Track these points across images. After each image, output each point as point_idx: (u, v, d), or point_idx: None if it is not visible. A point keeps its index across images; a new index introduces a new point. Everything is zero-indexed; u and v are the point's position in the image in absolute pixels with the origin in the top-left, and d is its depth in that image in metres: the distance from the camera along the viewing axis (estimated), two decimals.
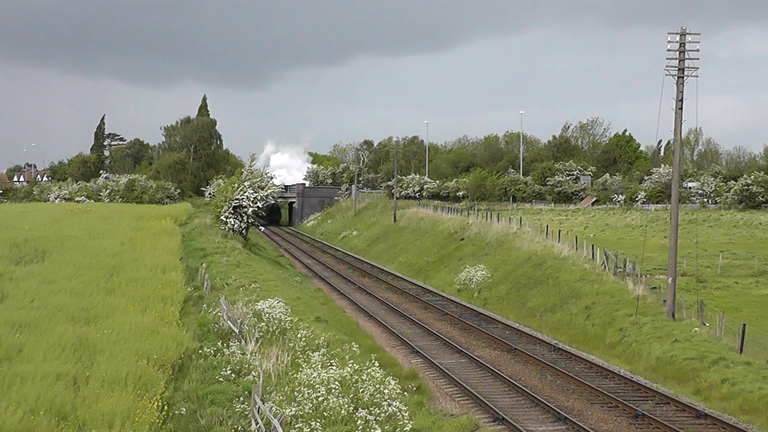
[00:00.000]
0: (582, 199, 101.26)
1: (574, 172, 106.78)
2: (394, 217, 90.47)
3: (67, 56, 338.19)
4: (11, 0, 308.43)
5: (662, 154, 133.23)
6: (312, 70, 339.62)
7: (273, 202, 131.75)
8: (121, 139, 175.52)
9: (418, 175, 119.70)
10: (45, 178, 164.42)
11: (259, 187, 62.62)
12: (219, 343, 25.69)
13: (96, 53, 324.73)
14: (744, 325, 30.20)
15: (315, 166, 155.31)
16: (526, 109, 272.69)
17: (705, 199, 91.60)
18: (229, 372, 22.61)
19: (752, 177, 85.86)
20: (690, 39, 34.55)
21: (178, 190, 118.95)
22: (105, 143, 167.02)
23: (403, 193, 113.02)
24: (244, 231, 62.83)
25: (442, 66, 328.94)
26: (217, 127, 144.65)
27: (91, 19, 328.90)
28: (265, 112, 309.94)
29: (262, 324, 28.02)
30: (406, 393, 23.71)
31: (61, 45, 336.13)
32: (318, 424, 18.56)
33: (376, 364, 24.18)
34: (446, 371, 29.71)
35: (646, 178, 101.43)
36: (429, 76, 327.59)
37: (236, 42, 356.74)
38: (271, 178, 68.44)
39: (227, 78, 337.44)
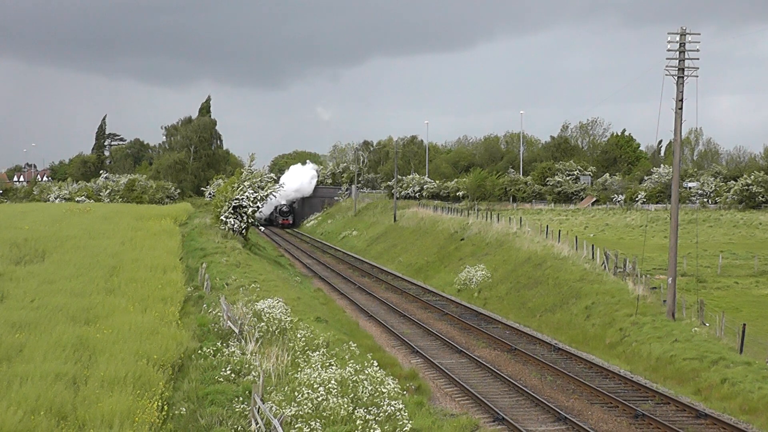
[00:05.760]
0: (582, 199, 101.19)
1: (574, 172, 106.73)
2: (394, 217, 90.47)
3: (85, 56, 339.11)
4: (30, 1, 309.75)
5: (662, 154, 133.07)
6: (329, 71, 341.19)
7: (285, 202, 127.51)
8: (122, 140, 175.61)
9: (418, 175, 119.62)
10: (45, 178, 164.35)
11: (258, 187, 62.64)
12: (219, 343, 25.68)
13: (114, 53, 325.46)
14: (744, 325, 30.21)
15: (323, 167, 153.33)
16: (534, 109, 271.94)
17: (705, 199, 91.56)
18: (229, 372, 22.60)
19: (752, 177, 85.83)
20: (690, 39, 34.57)
21: (178, 190, 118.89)
22: (105, 143, 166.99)
23: (403, 193, 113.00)
24: (244, 231, 62.85)
25: (452, 66, 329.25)
26: (217, 127, 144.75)
27: (109, 19, 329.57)
28: (282, 112, 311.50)
29: (262, 324, 28.01)
30: (405, 393, 23.72)
31: (80, 45, 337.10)
32: (318, 424, 18.56)
33: (376, 364, 24.19)
34: (446, 371, 29.71)
35: (646, 178, 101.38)
36: (433, 77, 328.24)
37: (253, 42, 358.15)
38: (272, 179, 68.27)
39: (245, 77, 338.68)
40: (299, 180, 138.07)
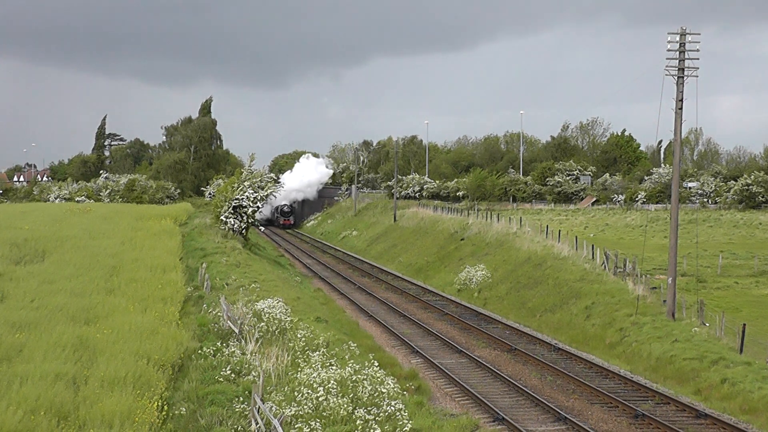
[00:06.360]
0: (582, 199, 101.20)
1: (574, 172, 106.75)
2: (394, 217, 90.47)
3: (86, 56, 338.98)
4: (31, 1, 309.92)
5: (662, 154, 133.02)
6: (330, 70, 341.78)
7: (286, 203, 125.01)
8: (122, 140, 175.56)
9: (418, 175, 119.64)
10: (45, 178, 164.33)
11: (258, 187, 62.63)
12: (219, 343, 25.69)
13: (115, 53, 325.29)
14: (744, 325, 30.21)
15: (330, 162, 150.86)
16: (534, 109, 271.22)
17: (705, 199, 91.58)
18: (229, 372, 22.61)
19: (752, 177, 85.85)
20: (690, 39, 34.57)
21: (178, 190, 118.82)
22: (105, 143, 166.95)
23: (403, 193, 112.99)
24: (244, 231, 62.85)
25: (453, 66, 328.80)
26: (217, 127, 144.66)
27: (110, 19, 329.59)
28: (283, 112, 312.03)
29: (262, 324, 28.01)
30: (405, 393, 23.72)
31: (81, 45, 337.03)
32: (318, 424, 18.57)
33: (376, 364, 24.19)
34: (446, 371, 29.71)
35: (646, 178, 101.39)
36: (434, 77, 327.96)
37: (255, 41, 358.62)
38: (272, 179, 68.18)
39: (246, 77, 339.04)
40: (309, 178, 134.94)
